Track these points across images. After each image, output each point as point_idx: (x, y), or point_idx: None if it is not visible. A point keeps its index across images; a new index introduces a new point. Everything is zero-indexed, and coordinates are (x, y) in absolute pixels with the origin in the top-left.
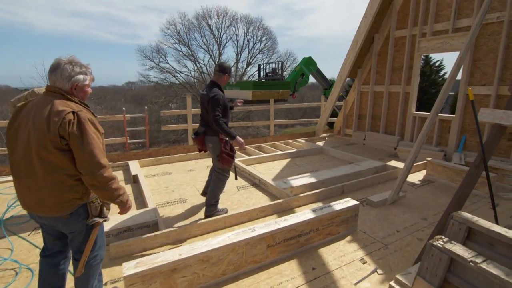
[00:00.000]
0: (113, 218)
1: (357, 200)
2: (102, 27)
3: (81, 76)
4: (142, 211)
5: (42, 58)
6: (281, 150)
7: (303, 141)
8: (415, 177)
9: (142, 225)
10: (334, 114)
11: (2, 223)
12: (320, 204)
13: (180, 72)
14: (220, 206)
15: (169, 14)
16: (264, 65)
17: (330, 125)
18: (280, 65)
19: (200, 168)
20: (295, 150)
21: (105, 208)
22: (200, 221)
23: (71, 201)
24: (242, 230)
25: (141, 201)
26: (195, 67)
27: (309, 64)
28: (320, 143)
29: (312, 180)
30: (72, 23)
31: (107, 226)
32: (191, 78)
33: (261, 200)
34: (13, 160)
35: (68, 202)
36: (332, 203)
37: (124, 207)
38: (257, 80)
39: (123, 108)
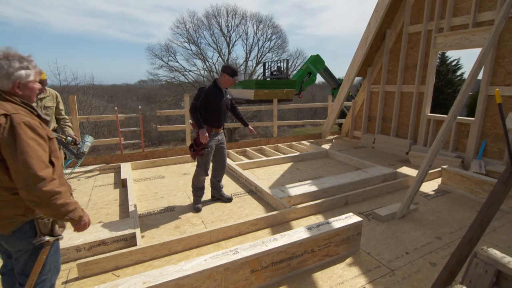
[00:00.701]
0: (86, 231)
1: (362, 213)
2: (116, 26)
3: (22, 72)
4: (120, 221)
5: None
6: (283, 153)
7: (308, 143)
8: (429, 187)
9: (118, 238)
10: (343, 115)
11: None
12: (320, 217)
13: (190, 70)
14: (210, 216)
15: (179, 13)
16: (270, 63)
17: (340, 126)
18: (285, 63)
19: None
20: (298, 153)
21: (57, 226)
22: (181, 236)
23: (12, 218)
24: (222, 252)
25: (125, 209)
26: (205, 66)
27: (316, 62)
28: (326, 146)
29: (313, 188)
30: (88, 22)
31: (79, 238)
32: (201, 76)
33: (255, 210)
34: None
35: (9, 219)
36: (331, 220)
37: (77, 225)
38: (261, 79)
39: (139, 107)
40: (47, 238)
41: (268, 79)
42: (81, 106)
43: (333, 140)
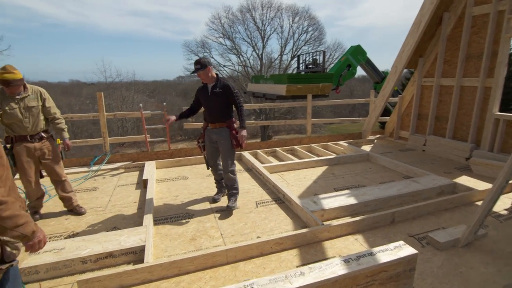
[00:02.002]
0: (95, 240)
1: (413, 236)
2: (157, 25)
3: None
4: (132, 230)
5: (102, 54)
6: (318, 155)
7: (345, 144)
8: (499, 204)
9: (127, 251)
10: (386, 112)
11: None
12: (359, 238)
13: (224, 66)
14: (230, 228)
15: (215, 9)
16: (305, 55)
17: (382, 125)
18: (322, 55)
19: None
20: (334, 156)
21: (8, 248)
22: (194, 254)
23: None
24: None
25: (142, 213)
26: (239, 61)
27: (357, 53)
28: (367, 148)
29: (352, 200)
30: (132, 21)
31: (86, 249)
32: (235, 72)
33: (282, 223)
34: None
35: None
36: (375, 250)
37: (30, 243)
38: (295, 73)
39: (164, 104)
40: None
41: (303, 73)
42: (124, 101)
43: (375, 141)
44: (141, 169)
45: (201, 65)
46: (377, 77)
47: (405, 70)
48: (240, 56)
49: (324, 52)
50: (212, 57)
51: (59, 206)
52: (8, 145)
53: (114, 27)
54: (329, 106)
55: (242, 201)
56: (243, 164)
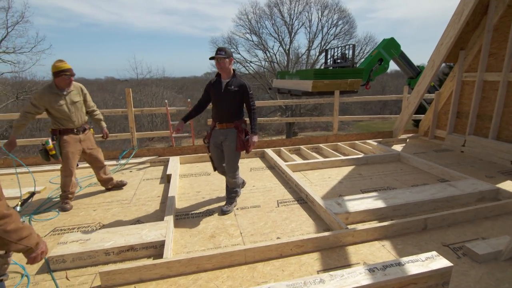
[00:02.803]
0: (118, 232)
1: (447, 245)
2: (186, 22)
3: None
4: (153, 225)
5: (135, 52)
6: (344, 154)
7: (375, 143)
8: None
9: (148, 245)
10: (421, 109)
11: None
12: (387, 244)
13: (251, 61)
14: (250, 227)
15: (242, 4)
16: (333, 50)
17: (416, 123)
18: (351, 49)
19: (242, 169)
20: (362, 155)
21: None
22: (212, 253)
23: None
24: None
25: (165, 208)
26: (265, 56)
27: (390, 46)
28: (398, 147)
29: (379, 204)
30: (162, 19)
31: (109, 241)
32: (261, 67)
33: (303, 225)
34: None
35: None
36: (404, 260)
37: (33, 255)
38: (322, 68)
39: (188, 100)
40: None
41: (330, 68)
42: (154, 97)
43: (408, 140)
44: (165, 164)
45: (225, 52)
46: (412, 72)
47: (443, 65)
48: (267, 51)
49: (354, 46)
50: (239, 53)
51: (89, 198)
52: (55, 136)
53: (146, 25)
54: (358, 102)
55: (263, 200)
56: (266, 161)
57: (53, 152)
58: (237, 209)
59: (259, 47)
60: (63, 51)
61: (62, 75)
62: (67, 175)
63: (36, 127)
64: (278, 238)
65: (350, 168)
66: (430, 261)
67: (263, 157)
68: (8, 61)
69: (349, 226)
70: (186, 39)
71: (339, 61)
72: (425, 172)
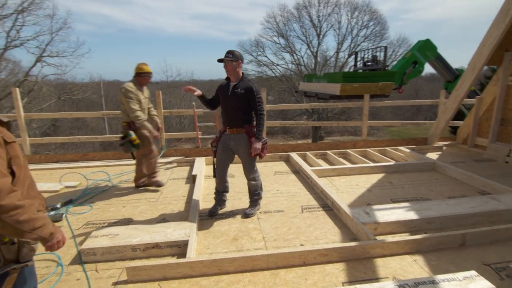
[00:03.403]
0: (145, 229)
1: (488, 265)
2: (215, 26)
3: None
4: (178, 224)
5: (165, 55)
6: (373, 161)
7: (407, 150)
8: None
9: (172, 244)
10: (459, 115)
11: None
12: (419, 259)
13: (277, 64)
14: (273, 232)
15: (270, 7)
16: (363, 52)
17: (454, 130)
18: (383, 51)
19: (266, 173)
20: (393, 162)
21: (25, 249)
22: (234, 255)
23: None
24: None
25: (189, 208)
26: (292, 59)
27: (425, 48)
28: (433, 155)
29: (412, 215)
30: (192, 24)
31: (136, 237)
32: (288, 70)
33: (328, 233)
34: None
35: None
36: (438, 278)
37: (48, 244)
38: (351, 70)
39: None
40: (11, 265)
41: (360, 71)
42: (182, 99)
43: (444, 148)
44: (191, 164)
45: (233, 55)
46: (449, 76)
47: (485, 67)
48: (294, 54)
49: (385, 48)
50: (266, 56)
51: (119, 194)
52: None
53: (177, 30)
54: (389, 107)
55: (287, 205)
56: (291, 165)
57: (137, 141)
58: (260, 212)
59: (286, 49)
60: (101, 55)
61: (145, 75)
62: (153, 156)
63: (75, 126)
64: (301, 245)
65: (379, 175)
66: (469, 281)
67: (288, 161)
68: (52, 64)
69: (377, 237)
70: (215, 42)
71: (369, 63)
72: (463, 183)
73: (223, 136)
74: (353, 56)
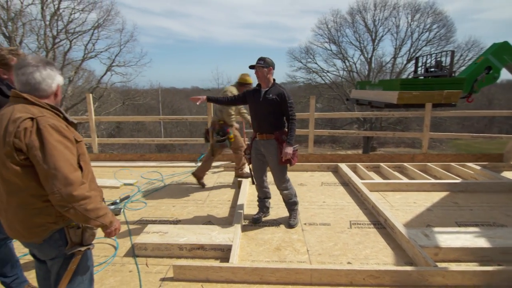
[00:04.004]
0: (191, 230)
1: None
2: (265, 34)
3: (51, 80)
4: (222, 229)
5: (217, 64)
6: (435, 177)
7: (477, 167)
8: None
9: (216, 247)
10: None
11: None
12: None
13: (327, 71)
14: (318, 246)
15: (322, 14)
16: (425, 57)
17: None
18: (449, 56)
19: (312, 183)
20: (459, 180)
21: (87, 234)
22: (276, 266)
23: (43, 226)
24: None
25: (234, 213)
26: (344, 66)
27: (502, 52)
28: (510, 175)
29: (482, 242)
30: (243, 33)
31: (183, 237)
32: (339, 77)
33: (380, 253)
34: None
35: (39, 227)
36: None
37: (108, 230)
38: (411, 77)
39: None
40: (77, 248)
41: (421, 77)
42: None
43: None
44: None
45: (264, 62)
46: None
47: None
48: (346, 60)
49: (452, 52)
50: (316, 63)
51: (170, 194)
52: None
53: (228, 39)
54: (456, 117)
55: (334, 218)
56: (339, 176)
57: (233, 139)
58: (305, 224)
59: (338, 56)
60: (160, 64)
61: (246, 86)
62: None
63: (135, 128)
64: (349, 263)
65: (442, 194)
66: None
67: (336, 171)
68: (119, 72)
69: (438, 264)
70: (265, 50)
71: (432, 69)
72: None
73: (254, 142)
74: (412, 62)
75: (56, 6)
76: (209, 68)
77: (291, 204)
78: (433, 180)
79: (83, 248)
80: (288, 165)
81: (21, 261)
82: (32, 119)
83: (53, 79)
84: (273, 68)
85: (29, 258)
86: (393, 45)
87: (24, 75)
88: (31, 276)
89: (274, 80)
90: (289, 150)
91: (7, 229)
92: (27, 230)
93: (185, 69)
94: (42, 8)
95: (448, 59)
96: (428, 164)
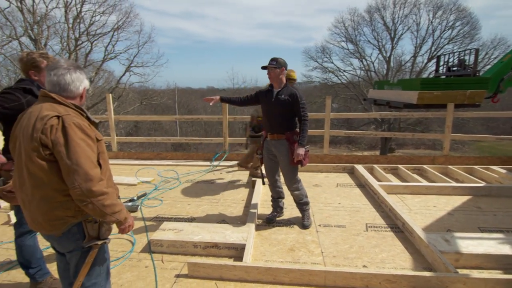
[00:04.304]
0: (206, 228)
1: None
2: (280, 34)
3: (78, 83)
4: (236, 228)
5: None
6: (457, 181)
7: (503, 171)
8: None
9: (229, 246)
10: None
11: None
12: None
13: (344, 71)
14: (332, 248)
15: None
16: (447, 56)
17: None
18: (473, 54)
19: (327, 184)
20: (483, 184)
21: (104, 228)
22: (290, 267)
23: (62, 219)
24: None
25: (247, 212)
26: (361, 65)
27: None
28: None
29: (507, 249)
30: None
31: (198, 235)
32: (356, 77)
33: (397, 257)
34: (14, 172)
35: (59, 220)
36: None
37: (122, 226)
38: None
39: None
40: (94, 241)
41: (443, 77)
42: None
43: None
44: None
45: (277, 62)
46: None
47: None
48: (363, 60)
49: (477, 50)
50: (332, 62)
51: (185, 192)
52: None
53: (244, 39)
54: (480, 118)
55: (349, 220)
56: (355, 178)
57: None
58: (320, 225)
59: (355, 55)
60: (176, 64)
61: (291, 81)
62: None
63: (152, 128)
64: (364, 266)
65: (464, 198)
66: None
67: (352, 173)
68: (138, 73)
69: (459, 271)
70: (280, 50)
71: (455, 68)
72: None
73: (265, 142)
74: (434, 61)
75: (79, 9)
76: (224, 68)
77: (302, 204)
78: (454, 184)
79: (99, 242)
80: (300, 165)
81: (44, 254)
82: (58, 117)
83: (81, 82)
84: (286, 69)
85: (51, 251)
86: (413, 44)
87: (55, 76)
88: (53, 268)
89: (286, 80)
90: (301, 151)
91: (30, 221)
92: (48, 223)
93: (201, 69)
94: (65, 11)
95: (472, 57)
96: (450, 166)
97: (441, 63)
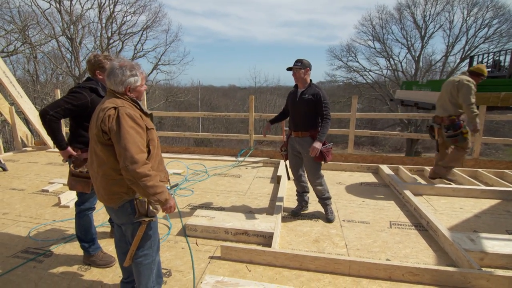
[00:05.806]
0: (236, 217)
1: None
2: (304, 33)
3: (132, 79)
4: (264, 218)
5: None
6: (486, 184)
7: None
8: None
9: (258, 233)
10: None
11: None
12: None
13: (370, 70)
14: (356, 241)
15: (366, 10)
16: (481, 56)
17: None
18: (509, 54)
19: (351, 182)
20: None
21: (151, 207)
22: (316, 255)
23: (118, 194)
24: None
25: (273, 205)
26: (388, 65)
27: None
28: None
29: None
30: (282, 31)
31: (229, 222)
32: (382, 77)
33: (420, 254)
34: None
35: (115, 195)
36: None
37: (164, 207)
38: None
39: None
40: (142, 218)
41: None
42: (267, 104)
43: None
44: (276, 166)
45: (301, 63)
46: None
47: None
48: (391, 59)
49: None
50: (357, 61)
51: (214, 184)
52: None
53: (267, 38)
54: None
55: (373, 217)
56: (380, 178)
57: (466, 135)
58: (344, 220)
59: (382, 54)
60: (200, 62)
61: (481, 77)
62: (467, 152)
63: (175, 124)
64: (387, 260)
65: (493, 201)
66: None
67: (377, 173)
68: (164, 71)
69: (483, 269)
70: (303, 48)
71: (489, 69)
72: None
73: (290, 139)
74: (466, 61)
75: (111, 9)
76: (247, 67)
77: (324, 199)
78: (483, 187)
79: (147, 219)
80: (323, 162)
81: (98, 231)
82: (115, 108)
83: (135, 78)
84: (310, 69)
85: (104, 229)
86: (445, 43)
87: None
88: (103, 244)
89: (311, 80)
90: (317, 145)
91: (97, 193)
92: (107, 196)
93: (223, 67)
94: (99, 12)
95: (508, 58)
96: (479, 170)
97: (474, 63)
